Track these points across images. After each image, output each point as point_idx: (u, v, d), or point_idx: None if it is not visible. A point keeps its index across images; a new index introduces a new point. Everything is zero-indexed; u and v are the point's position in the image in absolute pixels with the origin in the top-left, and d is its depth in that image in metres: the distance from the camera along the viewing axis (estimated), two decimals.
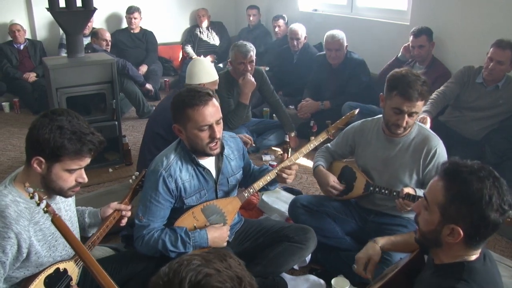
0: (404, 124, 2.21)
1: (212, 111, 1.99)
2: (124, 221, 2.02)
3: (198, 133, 2.00)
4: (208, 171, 2.14)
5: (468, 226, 1.32)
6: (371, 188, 2.37)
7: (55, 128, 1.56)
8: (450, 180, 1.35)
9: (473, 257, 1.39)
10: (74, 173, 1.64)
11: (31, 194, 1.54)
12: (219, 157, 2.17)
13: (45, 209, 1.54)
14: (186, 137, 2.05)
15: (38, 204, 1.53)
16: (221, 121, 2.06)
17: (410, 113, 2.19)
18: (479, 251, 1.40)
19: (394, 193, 2.26)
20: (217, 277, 0.90)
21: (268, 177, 2.24)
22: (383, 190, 2.32)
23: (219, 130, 2.04)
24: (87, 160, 1.65)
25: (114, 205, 1.98)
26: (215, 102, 2.02)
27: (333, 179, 2.48)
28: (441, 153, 2.26)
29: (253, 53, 3.77)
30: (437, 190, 1.37)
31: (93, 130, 1.65)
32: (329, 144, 2.67)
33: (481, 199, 1.29)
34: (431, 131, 2.35)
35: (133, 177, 2.14)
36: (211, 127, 2.00)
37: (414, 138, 2.31)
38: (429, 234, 1.41)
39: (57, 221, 1.56)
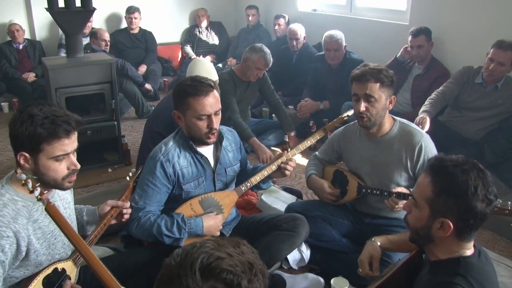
0: (362, 108, 2.19)
1: (212, 102, 2.04)
2: (126, 217, 2.01)
3: (196, 121, 2.05)
4: (206, 159, 2.17)
5: (457, 218, 1.36)
6: (364, 190, 2.36)
7: (26, 118, 1.54)
8: (436, 174, 1.40)
9: (468, 252, 1.41)
10: (62, 160, 1.60)
11: (23, 181, 1.51)
12: (218, 146, 2.21)
13: (38, 196, 1.51)
14: (185, 124, 2.10)
15: (32, 191, 1.50)
16: (220, 112, 2.11)
17: (366, 97, 2.18)
18: (471, 244, 1.42)
19: (385, 193, 2.25)
20: (228, 261, 0.91)
21: (265, 172, 2.27)
22: (374, 191, 2.31)
23: (217, 121, 2.09)
24: (69, 144, 1.59)
25: (111, 202, 1.98)
26: (215, 93, 2.08)
27: (327, 185, 2.47)
28: (428, 147, 2.23)
29: None
30: (425, 186, 1.41)
31: (68, 113, 1.60)
32: (316, 153, 2.67)
33: (466, 190, 1.33)
34: (415, 127, 2.32)
35: (130, 174, 2.16)
36: (209, 117, 2.05)
37: (396, 135, 2.28)
38: (420, 230, 1.45)
39: (51, 210, 1.52)
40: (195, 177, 2.15)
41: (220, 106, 2.10)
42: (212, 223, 2.13)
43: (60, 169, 1.61)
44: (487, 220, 2.93)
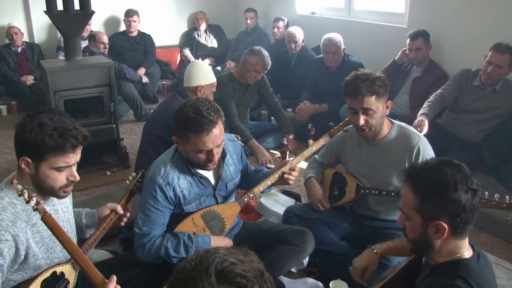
0: (362, 122, 2.20)
1: (214, 137, 1.93)
2: (124, 220, 2.01)
3: (196, 154, 1.97)
4: (206, 179, 2.13)
5: (449, 217, 1.36)
6: (362, 191, 2.37)
7: (35, 126, 1.54)
8: (414, 182, 1.42)
9: (466, 254, 1.41)
10: (63, 171, 1.61)
11: (19, 192, 1.52)
12: (220, 163, 2.15)
13: (35, 206, 1.52)
14: (184, 151, 2.03)
15: (28, 202, 1.51)
16: (223, 143, 2.03)
17: (364, 111, 2.18)
18: (466, 241, 1.43)
19: (383, 193, 2.27)
20: (241, 267, 0.95)
21: (268, 182, 2.24)
22: (373, 191, 2.33)
23: (218, 152, 2.00)
24: (73, 157, 1.61)
25: (111, 205, 1.98)
26: (220, 125, 1.94)
27: (321, 195, 2.49)
28: (426, 149, 2.24)
29: None
30: (408, 196, 1.42)
31: (76, 126, 1.61)
32: (316, 156, 2.68)
33: (447, 187, 1.35)
34: (412, 130, 2.33)
35: (130, 178, 2.14)
36: (210, 151, 1.96)
37: (395, 138, 2.29)
38: (418, 239, 1.45)
39: (47, 219, 1.53)
40: (196, 197, 2.11)
41: (223, 137, 2.00)
42: (220, 242, 2.09)
43: (60, 179, 1.62)
44: (486, 223, 2.94)
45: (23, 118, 1.59)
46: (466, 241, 1.43)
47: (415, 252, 1.55)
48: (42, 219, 1.54)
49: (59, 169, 1.60)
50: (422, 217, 1.40)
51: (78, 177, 1.67)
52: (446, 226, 1.36)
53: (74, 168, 1.66)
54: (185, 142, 1.97)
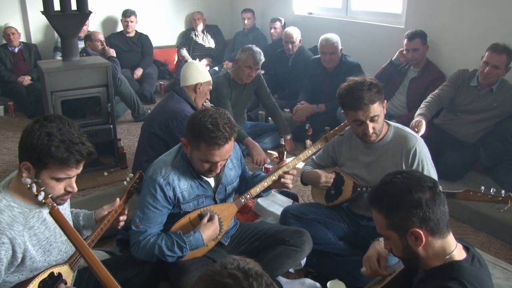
0: (371, 130, 2.21)
1: (224, 152, 1.97)
2: (121, 223, 2.02)
3: (201, 162, 2.00)
4: (207, 182, 2.15)
5: (418, 221, 1.37)
6: (359, 189, 2.38)
7: (44, 135, 1.55)
8: (375, 203, 1.47)
9: (455, 251, 1.42)
10: (62, 182, 1.62)
11: (28, 185, 1.52)
12: (221, 168, 2.17)
13: (43, 200, 1.53)
14: (189, 155, 2.05)
15: (36, 195, 1.52)
16: (229, 158, 2.07)
17: (371, 119, 2.19)
18: (452, 238, 1.44)
19: None
20: None
21: (265, 183, 2.24)
22: (369, 189, 2.33)
23: (222, 164, 2.05)
24: (75, 171, 1.62)
25: (108, 207, 1.98)
26: (232, 142, 1.98)
27: (321, 173, 2.47)
28: (422, 151, 2.25)
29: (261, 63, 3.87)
30: (378, 218, 1.47)
31: (83, 140, 1.63)
32: (313, 157, 2.68)
33: (401, 195, 1.39)
34: (409, 131, 2.34)
35: (128, 179, 2.14)
36: (215, 163, 2.00)
37: (392, 140, 2.30)
38: (405, 254, 1.46)
39: (55, 213, 1.55)
40: (195, 198, 2.13)
41: (231, 153, 2.04)
42: (211, 233, 2.09)
43: (58, 188, 1.63)
44: (483, 223, 2.94)
45: (32, 123, 1.59)
46: (450, 238, 1.43)
47: (411, 267, 1.56)
48: (50, 213, 1.55)
49: (58, 180, 1.61)
50: (396, 232, 1.43)
51: (76, 189, 1.68)
52: (421, 231, 1.37)
53: (74, 180, 1.67)
54: (194, 149, 1.99)
